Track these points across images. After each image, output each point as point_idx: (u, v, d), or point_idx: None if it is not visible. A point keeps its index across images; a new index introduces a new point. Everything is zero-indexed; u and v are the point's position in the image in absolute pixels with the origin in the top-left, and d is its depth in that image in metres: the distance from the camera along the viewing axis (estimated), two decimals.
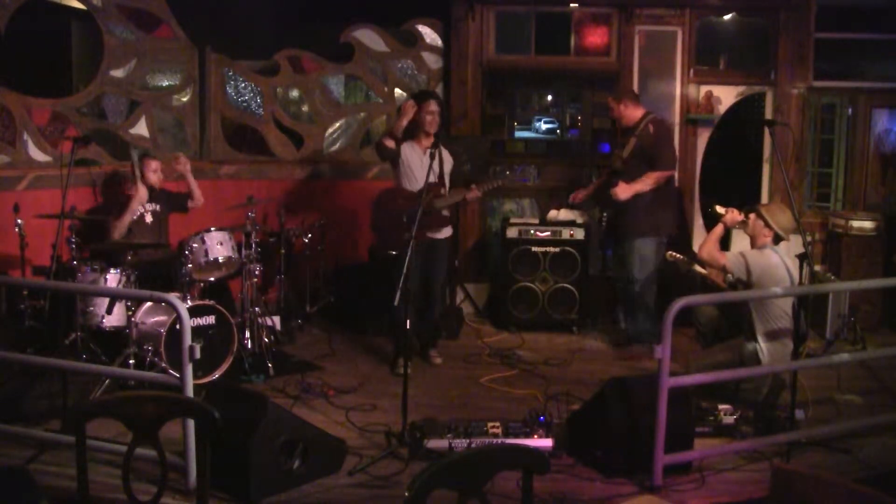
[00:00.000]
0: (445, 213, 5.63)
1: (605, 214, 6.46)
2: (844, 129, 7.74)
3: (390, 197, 5.61)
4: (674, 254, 5.50)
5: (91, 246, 5.62)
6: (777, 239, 5.05)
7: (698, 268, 5.35)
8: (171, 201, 6.16)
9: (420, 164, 5.47)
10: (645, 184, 5.99)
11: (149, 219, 5.99)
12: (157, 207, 6.05)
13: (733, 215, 5.20)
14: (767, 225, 5.02)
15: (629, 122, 6.16)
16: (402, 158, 5.54)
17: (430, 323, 5.87)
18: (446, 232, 5.72)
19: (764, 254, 4.98)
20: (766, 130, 7.01)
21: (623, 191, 6.01)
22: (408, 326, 4.61)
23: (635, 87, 7.41)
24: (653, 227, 6.08)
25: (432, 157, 4.92)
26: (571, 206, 6.84)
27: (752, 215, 5.16)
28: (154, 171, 6.02)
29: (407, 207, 5.28)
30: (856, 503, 2.18)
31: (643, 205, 6.03)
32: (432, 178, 5.33)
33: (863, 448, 4.33)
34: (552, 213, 7.01)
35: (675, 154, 6.25)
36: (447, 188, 5.62)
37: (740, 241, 6.75)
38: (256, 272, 5.68)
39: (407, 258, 4.39)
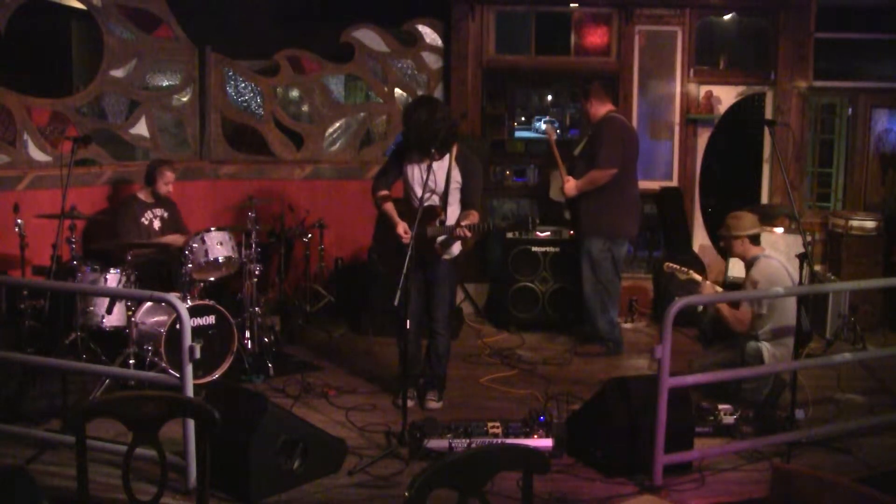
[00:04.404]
0: (440, 239, 4.81)
1: (566, 212, 6.47)
2: (844, 129, 7.75)
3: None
4: (671, 264, 5.50)
5: (92, 246, 5.63)
6: (755, 239, 5.08)
7: (696, 275, 5.36)
8: (176, 214, 6.17)
9: (419, 179, 4.82)
10: (586, 183, 5.95)
11: (157, 225, 6.01)
12: (165, 214, 6.06)
13: (711, 289, 5.13)
14: (738, 237, 5.05)
15: (593, 120, 6.09)
16: (405, 172, 4.94)
17: (437, 364, 5.08)
18: (446, 253, 4.92)
19: (760, 264, 4.99)
20: (766, 130, 7.02)
21: (569, 189, 6.03)
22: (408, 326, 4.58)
23: (635, 87, 7.42)
24: (598, 228, 5.99)
25: (429, 168, 4.60)
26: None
27: (723, 243, 5.22)
28: (166, 184, 6.03)
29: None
30: (856, 503, 2.18)
31: (589, 205, 5.99)
32: (435, 199, 4.79)
33: (863, 448, 4.33)
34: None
35: (617, 154, 5.87)
36: (446, 214, 4.81)
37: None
38: (256, 272, 5.68)
39: (407, 257, 4.32)
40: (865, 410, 4.93)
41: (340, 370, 5.70)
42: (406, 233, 4.74)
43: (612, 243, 6.02)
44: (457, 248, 4.94)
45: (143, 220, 5.94)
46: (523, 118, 7.89)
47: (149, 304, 5.21)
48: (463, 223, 4.66)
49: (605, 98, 6.10)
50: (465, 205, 4.86)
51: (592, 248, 6.03)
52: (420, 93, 7.51)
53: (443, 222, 4.80)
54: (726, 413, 4.49)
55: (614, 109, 6.13)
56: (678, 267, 5.42)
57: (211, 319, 5.20)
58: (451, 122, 4.74)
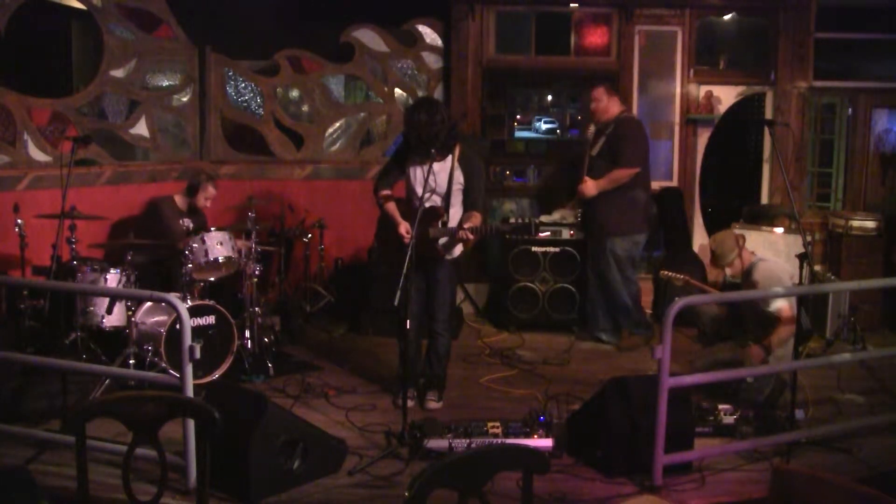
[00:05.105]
0: (443, 240, 4.84)
1: (579, 210, 6.44)
2: (844, 129, 7.75)
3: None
4: (667, 272, 5.51)
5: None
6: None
7: (694, 281, 5.37)
8: (202, 224, 6.17)
9: (421, 180, 4.78)
10: (609, 181, 6.00)
11: None
12: (191, 226, 6.06)
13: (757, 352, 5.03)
14: (731, 260, 5.05)
15: (606, 118, 6.13)
16: (407, 172, 4.96)
17: (437, 364, 5.09)
18: (448, 254, 4.94)
19: (759, 267, 4.99)
20: (766, 130, 7.02)
21: (589, 188, 6.06)
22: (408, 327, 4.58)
23: (635, 87, 7.43)
24: (624, 227, 6.07)
25: (430, 169, 4.58)
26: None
27: (729, 273, 5.20)
28: (207, 199, 6.07)
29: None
30: (856, 503, 2.18)
31: (610, 203, 6.04)
32: (435, 200, 4.82)
33: (863, 448, 4.33)
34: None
35: (641, 153, 6.05)
36: (448, 215, 4.82)
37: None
38: (256, 272, 5.68)
39: (407, 257, 4.32)
40: (865, 410, 4.93)
41: (340, 370, 5.71)
42: (408, 233, 4.74)
43: (632, 241, 6.11)
44: (458, 248, 4.93)
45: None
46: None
47: (149, 304, 5.21)
48: (466, 225, 4.69)
49: (616, 97, 6.20)
50: (468, 206, 4.87)
51: (616, 247, 6.09)
52: (420, 93, 7.52)
53: (445, 223, 4.81)
54: (726, 413, 4.49)
55: (626, 109, 6.23)
56: (673, 275, 5.43)
57: (211, 319, 5.20)
58: (451, 123, 4.76)
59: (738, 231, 5.16)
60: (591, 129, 6.35)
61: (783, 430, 4.38)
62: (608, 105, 6.12)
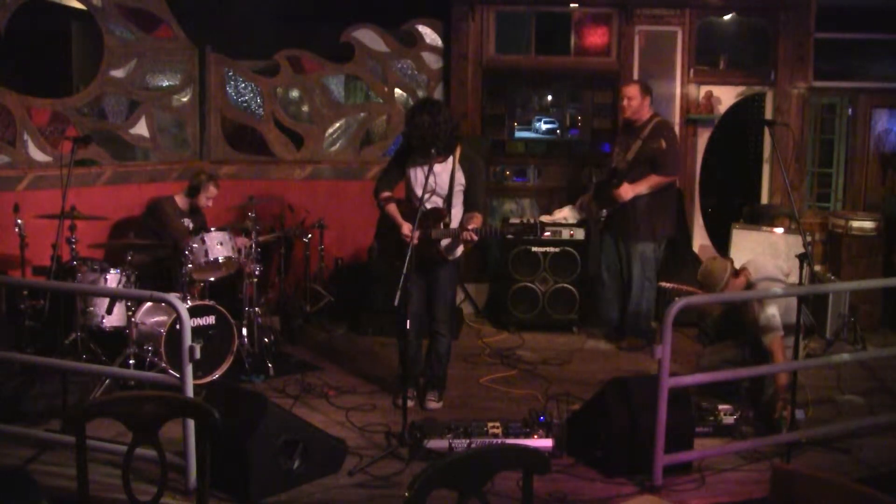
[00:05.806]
0: (445, 242, 4.86)
1: (603, 212, 6.41)
2: (844, 129, 7.75)
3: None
4: (665, 284, 5.50)
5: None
6: (735, 272, 5.01)
7: (692, 289, 5.36)
8: (202, 224, 6.17)
9: (421, 181, 4.76)
10: (646, 187, 6.00)
11: None
12: (191, 226, 6.07)
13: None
14: (722, 289, 4.94)
15: (639, 118, 6.07)
16: (408, 173, 4.97)
17: (437, 365, 5.09)
18: (450, 255, 4.94)
19: (759, 287, 4.95)
20: (766, 130, 7.02)
21: (626, 191, 6.03)
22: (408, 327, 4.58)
23: None
24: (652, 231, 6.10)
25: (430, 170, 4.59)
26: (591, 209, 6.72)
27: (728, 287, 5.04)
28: (208, 199, 6.07)
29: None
30: (856, 503, 2.18)
31: (643, 208, 6.04)
32: (437, 201, 4.83)
33: (863, 448, 4.33)
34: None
35: (679, 160, 6.27)
36: (451, 216, 4.83)
37: (741, 244, 6.79)
38: (256, 272, 5.68)
39: (407, 258, 4.33)
40: (865, 411, 4.93)
41: (340, 370, 5.71)
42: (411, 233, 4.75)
43: (658, 245, 6.15)
44: (459, 249, 4.93)
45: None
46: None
47: (149, 304, 5.21)
48: (469, 227, 4.68)
49: (649, 97, 6.15)
50: (469, 206, 4.88)
51: (647, 250, 6.11)
52: (420, 93, 7.52)
53: (448, 225, 4.81)
54: (726, 413, 4.49)
55: (656, 112, 6.20)
56: (671, 286, 5.42)
57: (211, 319, 5.20)
58: (453, 124, 4.76)
59: (730, 268, 5.04)
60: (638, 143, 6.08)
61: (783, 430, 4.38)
62: (642, 105, 6.05)
